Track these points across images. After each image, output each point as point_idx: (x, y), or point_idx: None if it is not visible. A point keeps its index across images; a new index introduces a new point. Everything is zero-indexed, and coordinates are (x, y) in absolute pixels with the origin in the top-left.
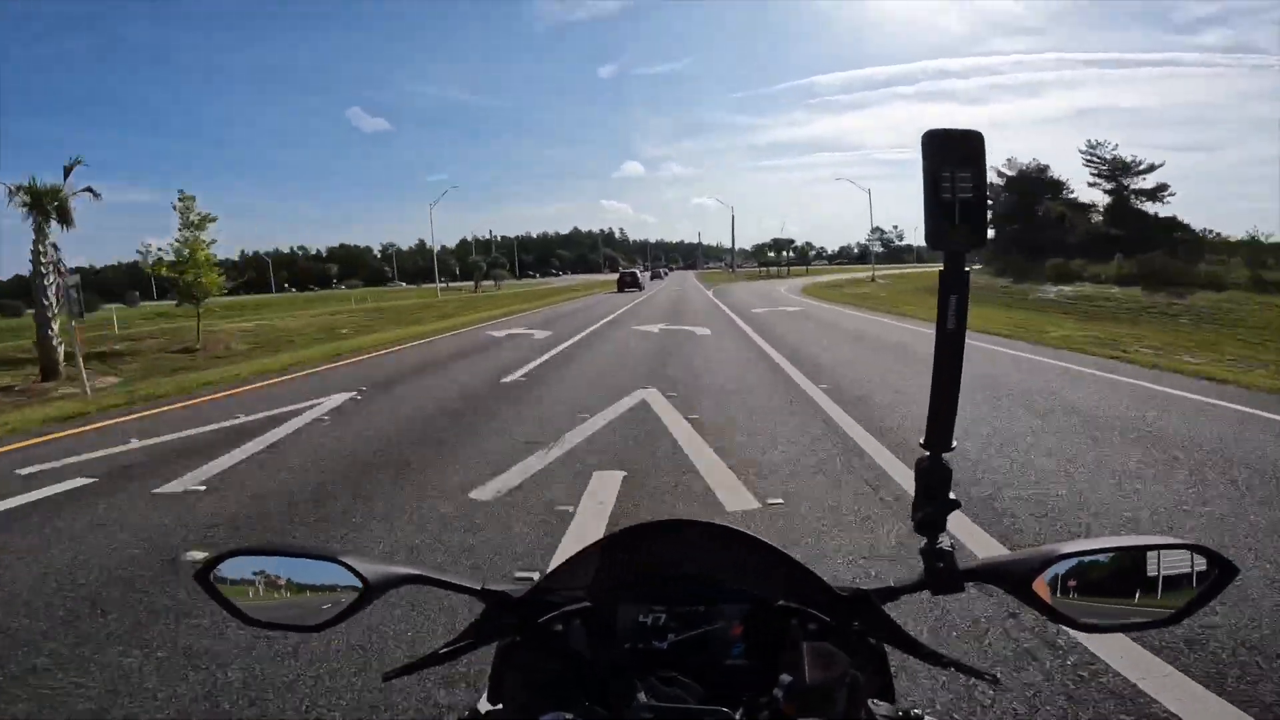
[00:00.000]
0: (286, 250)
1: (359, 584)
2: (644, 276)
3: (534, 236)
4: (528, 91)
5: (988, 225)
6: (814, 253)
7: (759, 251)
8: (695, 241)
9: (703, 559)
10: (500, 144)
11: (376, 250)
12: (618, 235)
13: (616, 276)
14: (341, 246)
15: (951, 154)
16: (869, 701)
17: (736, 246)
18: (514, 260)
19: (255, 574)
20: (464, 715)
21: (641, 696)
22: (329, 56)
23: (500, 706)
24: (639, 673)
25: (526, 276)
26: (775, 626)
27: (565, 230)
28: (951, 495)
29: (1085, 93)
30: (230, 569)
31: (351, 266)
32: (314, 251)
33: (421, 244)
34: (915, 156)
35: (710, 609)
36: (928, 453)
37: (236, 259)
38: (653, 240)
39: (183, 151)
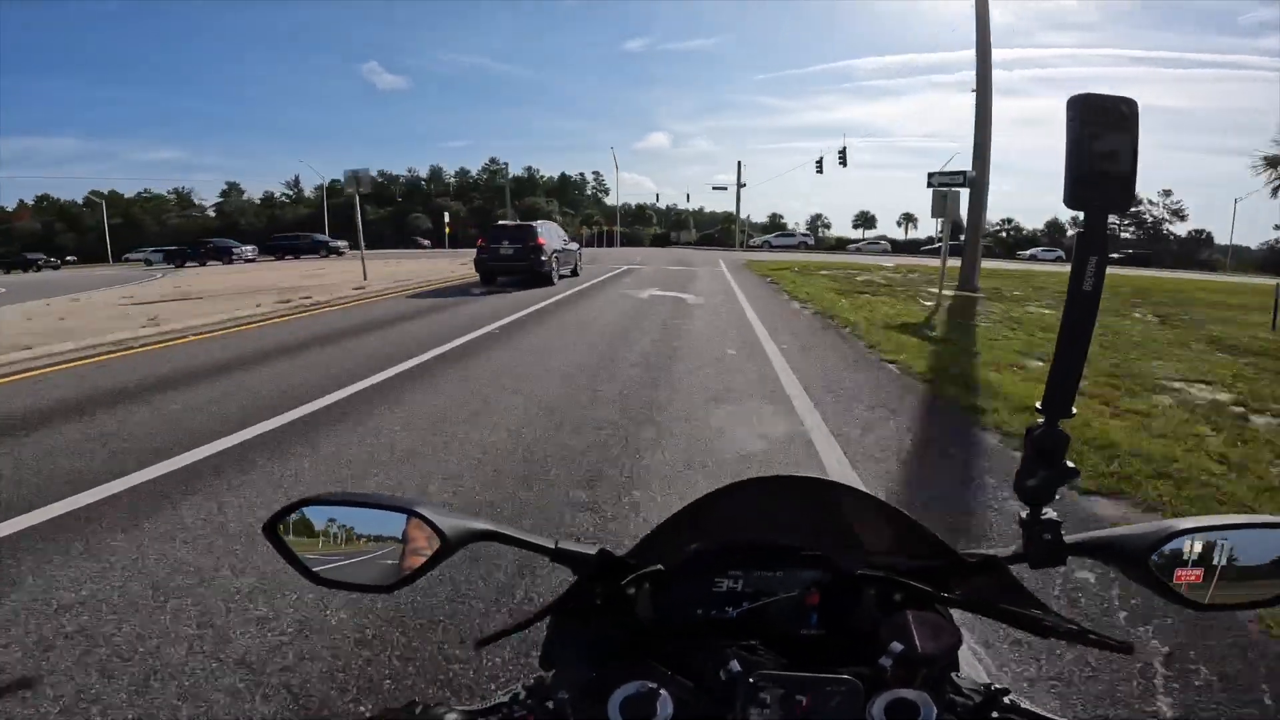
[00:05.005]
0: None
1: (436, 539)
2: (568, 250)
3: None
4: (552, 62)
5: (1134, 190)
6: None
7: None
8: (725, 212)
9: (787, 520)
10: (521, 113)
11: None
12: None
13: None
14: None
15: (1100, 118)
16: (952, 675)
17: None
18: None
19: (326, 525)
20: (529, 683)
21: (735, 665)
22: (350, 13)
23: (554, 673)
24: (714, 641)
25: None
26: (854, 595)
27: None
28: (1069, 463)
29: (1135, 90)
30: (300, 520)
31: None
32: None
33: None
34: (946, 146)
35: (788, 575)
36: (1042, 418)
37: None
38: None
39: (202, 109)
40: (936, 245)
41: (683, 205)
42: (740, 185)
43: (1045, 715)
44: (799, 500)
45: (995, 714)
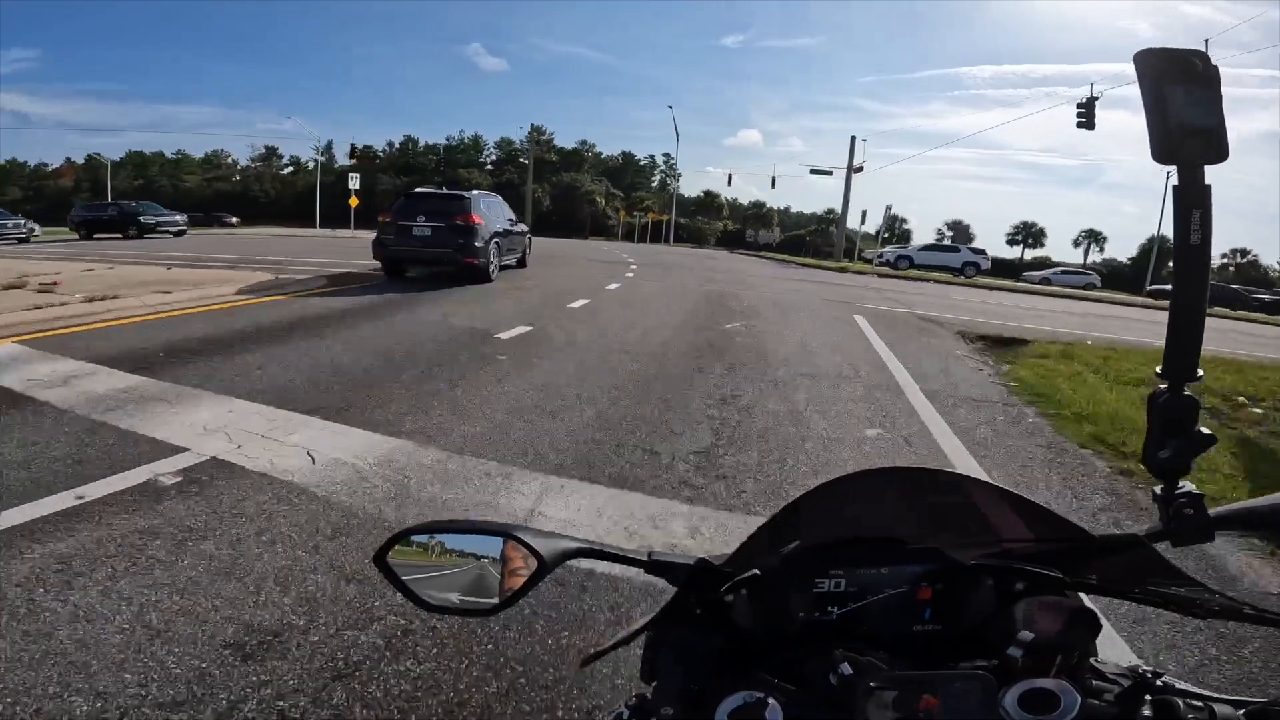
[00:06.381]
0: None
1: (533, 560)
2: (512, 235)
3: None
4: (647, 53)
5: (1226, 142)
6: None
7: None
8: (821, 212)
9: (889, 514)
10: (613, 102)
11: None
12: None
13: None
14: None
15: (1173, 70)
16: (1091, 661)
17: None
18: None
19: (429, 553)
20: (631, 701)
21: (845, 668)
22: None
23: (655, 686)
24: (819, 644)
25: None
26: (970, 587)
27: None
28: (1203, 429)
29: None
30: (404, 550)
31: None
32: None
33: None
34: (1062, 162)
35: (894, 571)
36: (1165, 384)
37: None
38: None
39: (316, 85)
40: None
41: (760, 194)
42: (854, 169)
43: (1208, 694)
44: (901, 493)
45: (1149, 697)
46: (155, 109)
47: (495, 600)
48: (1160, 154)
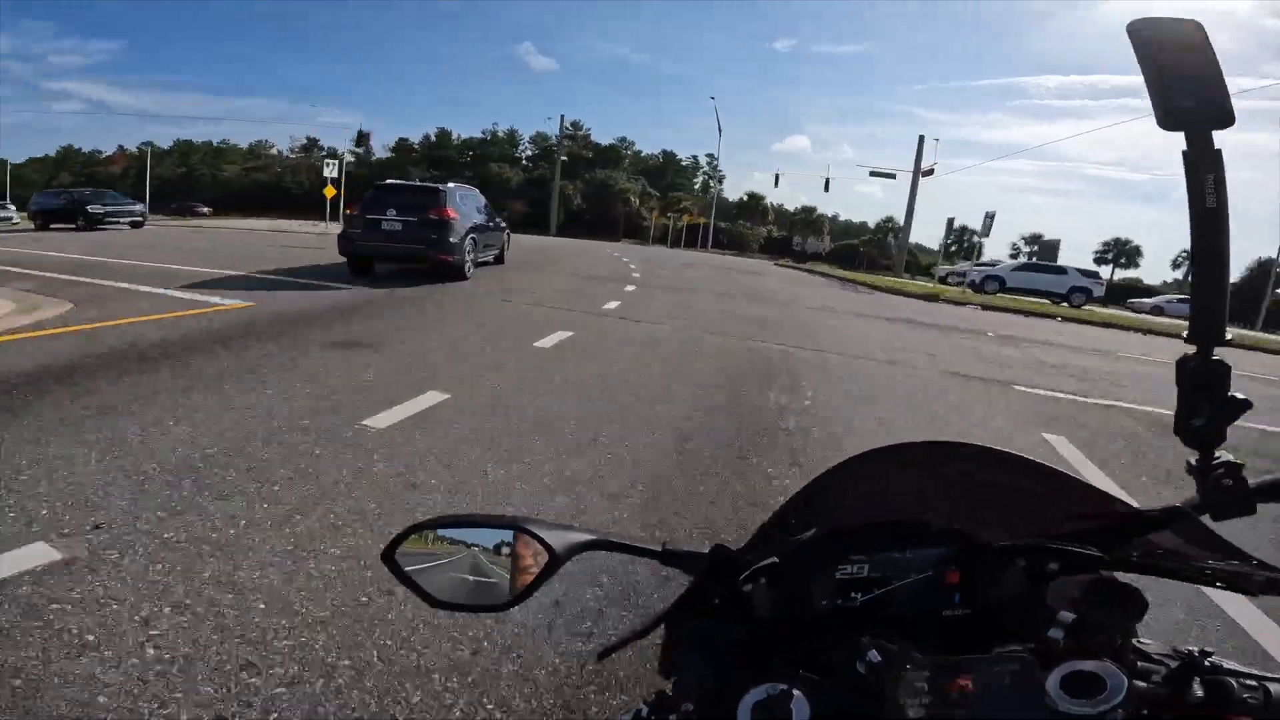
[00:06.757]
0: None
1: (544, 553)
2: (490, 230)
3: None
4: (696, 56)
5: (1231, 105)
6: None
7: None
8: (878, 222)
9: (912, 494)
10: (661, 105)
11: None
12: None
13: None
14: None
15: (1169, 39)
16: (1134, 641)
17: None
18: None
19: (438, 548)
20: (649, 698)
21: (874, 655)
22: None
23: (675, 680)
24: (843, 631)
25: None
26: (1001, 568)
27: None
28: (1237, 394)
29: None
30: (413, 546)
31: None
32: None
33: None
34: (1131, 177)
35: (918, 554)
36: (1194, 348)
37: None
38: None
39: (377, 77)
40: None
41: (805, 200)
42: (923, 172)
43: (1261, 673)
44: (922, 470)
45: (1198, 678)
46: (225, 102)
47: (507, 595)
48: (1165, 121)
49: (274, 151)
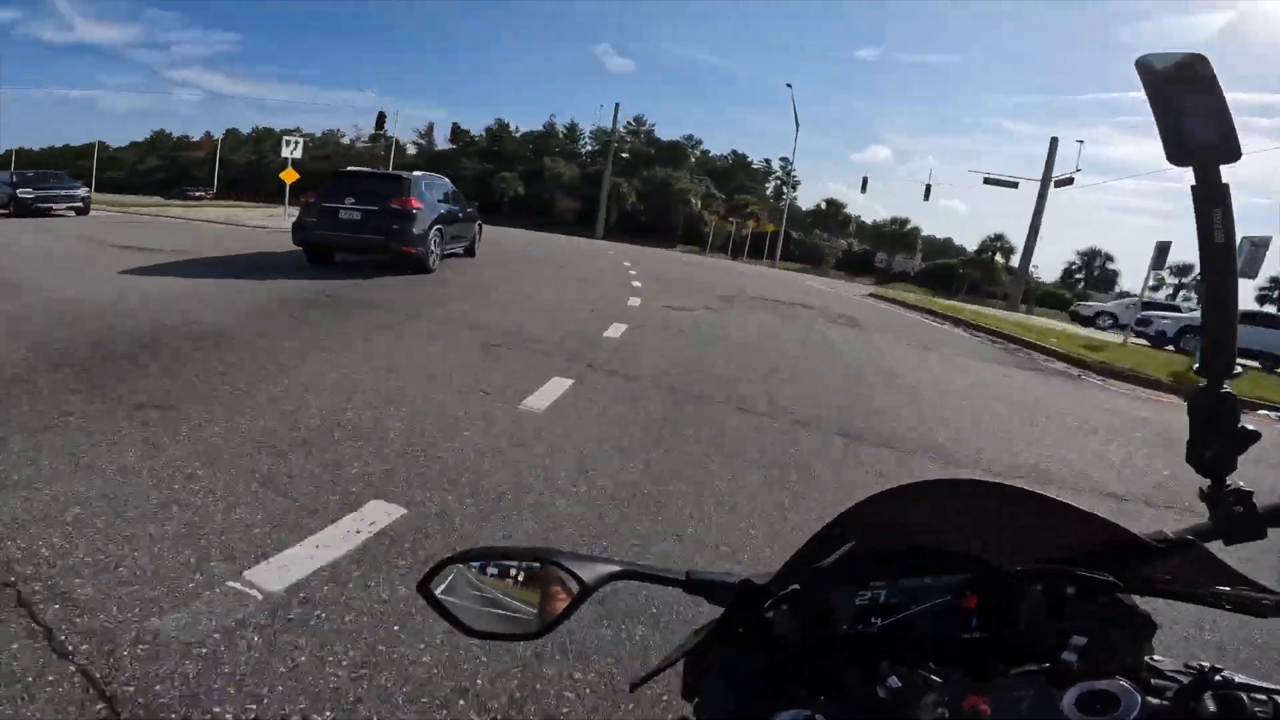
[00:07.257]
0: None
1: (574, 583)
2: (457, 219)
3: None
4: (778, 62)
5: (1238, 139)
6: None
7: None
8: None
9: (931, 526)
10: (740, 111)
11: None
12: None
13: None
14: None
15: (1176, 74)
16: (1146, 659)
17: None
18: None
19: (471, 579)
20: None
21: (893, 680)
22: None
23: (697, 703)
24: (863, 656)
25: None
26: (1017, 594)
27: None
28: (1247, 425)
29: None
30: (446, 578)
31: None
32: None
33: None
34: (1250, 201)
35: (936, 580)
36: (1204, 380)
37: None
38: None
39: (461, 73)
40: None
41: (886, 212)
42: (1053, 183)
43: (1271, 686)
44: (941, 505)
45: (1210, 693)
46: (330, 94)
47: (537, 624)
48: (1173, 156)
49: (344, 141)
